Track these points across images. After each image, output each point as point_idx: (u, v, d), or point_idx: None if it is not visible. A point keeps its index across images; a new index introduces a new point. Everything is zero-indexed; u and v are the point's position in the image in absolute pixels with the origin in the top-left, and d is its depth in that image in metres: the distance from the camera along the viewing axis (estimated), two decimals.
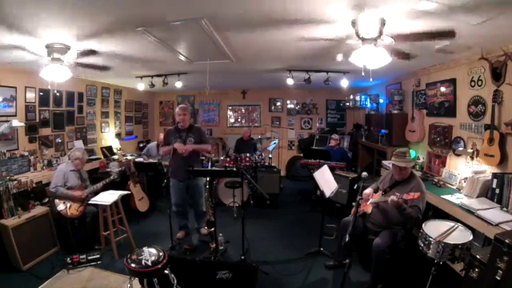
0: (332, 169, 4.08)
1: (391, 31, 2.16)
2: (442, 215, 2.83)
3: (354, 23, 2.09)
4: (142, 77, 5.04)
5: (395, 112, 4.96)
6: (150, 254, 2.16)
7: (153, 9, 2.01)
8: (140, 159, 5.31)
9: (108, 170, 4.81)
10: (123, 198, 3.57)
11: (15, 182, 3.32)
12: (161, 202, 4.85)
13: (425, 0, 1.78)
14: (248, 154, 5.13)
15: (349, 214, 3.04)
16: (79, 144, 5.04)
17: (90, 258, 3.08)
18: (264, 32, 2.50)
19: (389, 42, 2.18)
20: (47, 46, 2.67)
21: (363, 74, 2.50)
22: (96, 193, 3.50)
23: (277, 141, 6.55)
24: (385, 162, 4.52)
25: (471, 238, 2.15)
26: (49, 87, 3.22)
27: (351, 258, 2.42)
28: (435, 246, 2.11)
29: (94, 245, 3.45)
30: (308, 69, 4.28)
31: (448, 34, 1.96)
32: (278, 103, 7.75)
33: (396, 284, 2.75)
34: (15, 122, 3.45)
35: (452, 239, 2.12)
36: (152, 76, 4.93)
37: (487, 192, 2.79)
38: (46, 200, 3.64)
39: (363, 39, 2.14)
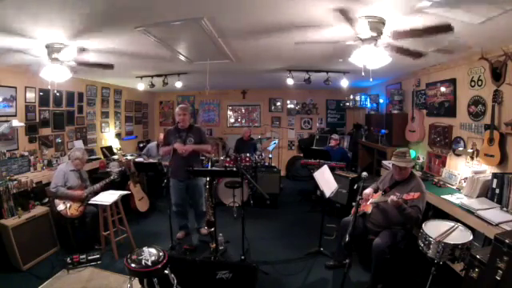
0: (332, 169, 4.08)
1: (390, 29, 2.16)
2: (441, 215, 2.83)
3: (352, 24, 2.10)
4: (142, 77, 5.05)
5: (395, 112, 4.96)
6: (150, 253, 2.16)
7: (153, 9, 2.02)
8: (140, 159, 5.31)
9: (108, 169, 4.81)
10: (123, 198, 3.57)
11: (15, 182, 3.32)
12: (161, 202, 4.85)
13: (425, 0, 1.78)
14: (248, 154, 5.13)
15: (349, 214, 3.04)
16: (79, 144, 5.04)
17: (89, 257, 3.08)
18: (266, 37, 2.52)
19: (388, 42, 2.18)
20: (47, 46, 2.67)
21: (363, 74, 2.51)
22: (96, 193, 3.50)
23: (277, 141, 6.54)
24: (385, 162, 4.52)
25: (471, 238, 2.15)
26: (49, 87, 3.23)
27: (351, 258, 2.42)
28: (435, 246, 2.11)
29: (94, 245, 3.45)
30: (308, 69, 4.28)
31: (445, 29, 1.96)
32: (278, 103, 7.75)
33: (396, 284, 2.75)
34: (15, 122, 3.45)
35: (452, 239, 2.12)
36: (152, 76, 4.93)
37: (487, 192, 2.79)
38: (46, 200, 3.64)
39: (363, 39, 2.14)
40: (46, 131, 4.48)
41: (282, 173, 6.39)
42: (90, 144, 5.50)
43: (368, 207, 2.81)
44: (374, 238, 2.64)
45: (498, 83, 2.87)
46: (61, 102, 4.79)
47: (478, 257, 1.94)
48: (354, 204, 2.70)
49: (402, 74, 4.84)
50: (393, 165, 2.80)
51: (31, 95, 4.19)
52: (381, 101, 5.88)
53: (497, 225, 2.24)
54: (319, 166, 4.06)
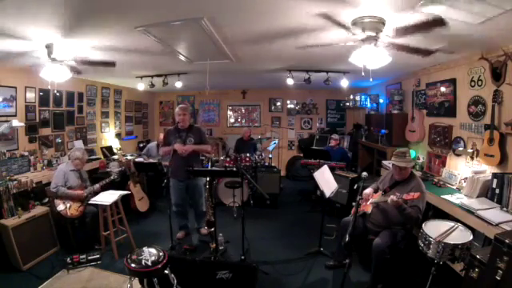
0: (332, 169, 4.08)
1: (390, 27, 2.16)
2: (442, 215, 2.83)
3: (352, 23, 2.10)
4: (142, 77, 5.05)
5: (395, 112, 4.96)
6: (150, 253, 2.16)
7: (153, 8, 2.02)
8: (140, 159, 5.31)
9: (108, 169, 4.81)
10: (123, 198, 3.57)
11: (15, 182, 3.32)
12: (161, 202, 4.85)
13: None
14: (248, 154, 5.13)
15: (349, 214, 3.04)
16: (79, 144, 5.04)
17: (90, 257, 3.08)
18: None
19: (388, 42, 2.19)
20: (47, 46, 2.67)
21: (363, 74, 2.50)
22: (96, 193, 3.50)
23: (277, 141, 6.54)
24: (385, 162, 4.52)
25: (471, 237, 2.15)
26: (49, 87, 3.23)
27: (351, 258, 2.42)
28: (435, 246, 2.11)
29: (94, 245, 3.45)
30: (308, 69, 4.28)
31: (438, 23, 1.96)
32: (278, 103, 7.75)
33: (396, 284, 2.75)
34: (15, 122, 3.45)
35: (452, 239, 2.12)
36: (152, 76, 4.93)
37: (487, 192, 2.79)
38: (46, 200, 3.64)
39: (363, 39, 2.14)
40: (45, 131, 4.48)
41: (282, 173, 6.39)
42: (90, 144, 5.50)
43: (368, 207, 2.81)
44: (374, 238, 2.64)
45: (498, 83, 2.87)
46: (61, 102, 4.79)
47: (478, 257, 1.94)
48: (354, 204, 2.69)
49: (402, 74, 4.84)
50: (393, 165, 2.80)
51: (31, 95, 4.19)
52: (381, 101, 5.88)
53: (497, 225, 2.24)
54: (319, 166, 4.06)
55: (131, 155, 5.87)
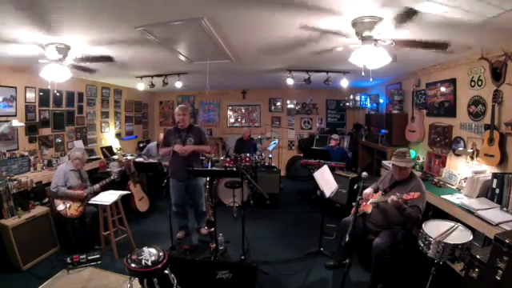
0: (332, 169, 4.08)
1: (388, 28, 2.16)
2: (442, 215, 2.83)
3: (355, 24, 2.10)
4: (141, 77, 5.04)
5: (395, 112, 4.96)
6: (150, 253, 2.16)
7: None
8: (140, 159, 5.31)
9: (108, 170, 4.80)
10: (123, 198, 3.57)
11: (15, 182, 3.32)
12: (161, 202, 4.85)
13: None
14: (248, 154, 5.13)
15: (349, 214, 3.04)
16: (79, 144, 5.04)
17: (90, 257, 3.08)
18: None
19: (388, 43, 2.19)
20: (44, 46, 2.67)
21: (363, 73, 2.50)
22: (96, 193, 3.50)
23: (277, 141, 6.54)
24: (385, 162, 4.52)
25: (471, 237, 2.15)
26: (49, 87, 3.22)
27: (351, 258, 2.42)
28: (435, 246, 2.11)
29: (94, 245, 3.45)
30: (308, 69, 4.28)
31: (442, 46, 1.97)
32: (278, 103, 7.75)
33: (396, 284, 2.75)
34: (15, 122, 3.45)
35: (452, 239, 2.12)
36: (152, 76, 4.92)
37: (487, 192, 2.79)
38: (46, 200, 3.64)
39: (363, 39, 2.14)
40: (45, 131, 4.48)
41: (282, 173, 6.39)
42: (90, 144, 5.50)
43: (368, 207, 2.81)
44: (374, 238, 2.64)
45: (498, 83, 2.87)
46: (61, 102, 4.79)
47: (478, 257, 1.94)
48: (354, 204, 2.69)
49: (402, 74, 4.84)
50: (393, 165, 2.80)
51: (31, 95, 4.19)
52: (381, 101, 5.88)
53: (497, 225, 2.24)
54: (319, 166, 4.06)
55: (131, 155, 5.86)
